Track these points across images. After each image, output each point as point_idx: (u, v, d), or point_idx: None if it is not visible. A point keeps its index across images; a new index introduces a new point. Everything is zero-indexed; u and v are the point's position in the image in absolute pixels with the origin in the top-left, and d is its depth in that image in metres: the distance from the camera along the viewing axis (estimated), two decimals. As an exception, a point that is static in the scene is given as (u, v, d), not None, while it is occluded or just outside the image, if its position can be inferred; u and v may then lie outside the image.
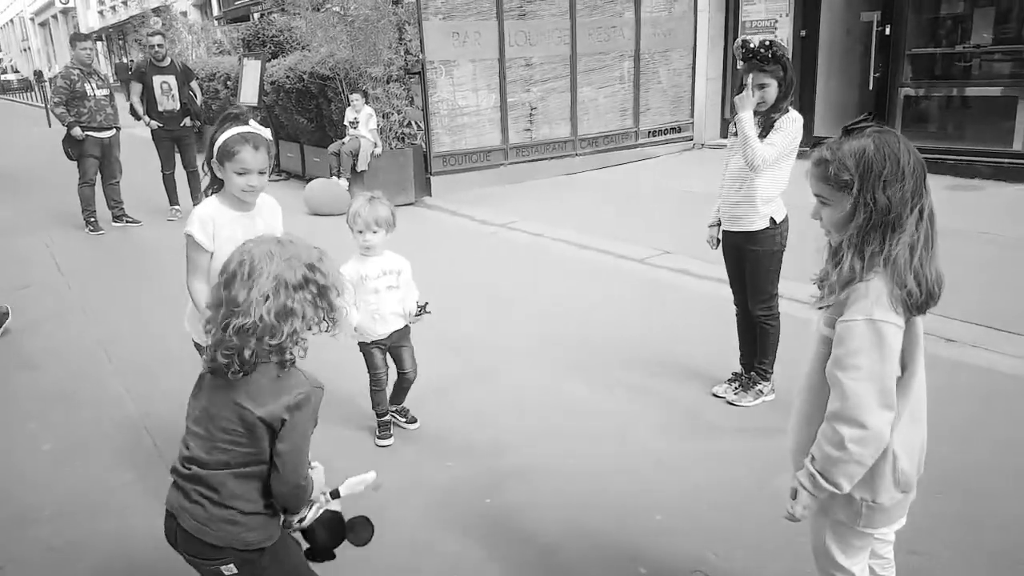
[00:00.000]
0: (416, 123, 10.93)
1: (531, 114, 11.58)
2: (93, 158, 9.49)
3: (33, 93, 41.37)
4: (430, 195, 10.76)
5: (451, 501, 3.70)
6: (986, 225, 7.59)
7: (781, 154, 4.06)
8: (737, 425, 4.31)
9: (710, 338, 5.29)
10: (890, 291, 1.98)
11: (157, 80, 9.86)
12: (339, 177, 10.45)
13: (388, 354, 4.22)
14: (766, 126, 4.08)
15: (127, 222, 9.97)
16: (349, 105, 10.47)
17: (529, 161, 11.61)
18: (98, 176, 9.68)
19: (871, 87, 11.01)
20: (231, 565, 2.14)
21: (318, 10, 13.00)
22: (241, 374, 2.05)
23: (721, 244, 4.52)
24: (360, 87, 10.61)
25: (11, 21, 75.48)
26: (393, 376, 4.29)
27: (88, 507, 3.76)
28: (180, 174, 10.26)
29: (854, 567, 2.28)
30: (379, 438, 4.24)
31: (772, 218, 4.20)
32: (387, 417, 4.26)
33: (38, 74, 44.49)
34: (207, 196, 3.40)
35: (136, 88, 9.94)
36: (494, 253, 8.22)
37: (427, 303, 4.05)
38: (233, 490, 2.11)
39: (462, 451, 4.15)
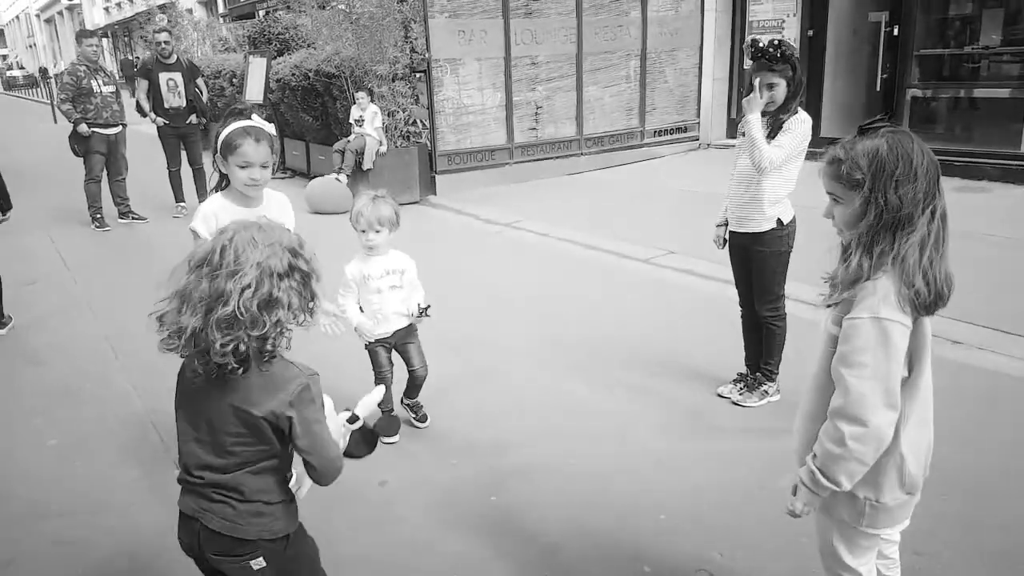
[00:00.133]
0: (421, 121, 10.93)
1: (536, 113, 11.57)
2: (99, 154, 9.51)
3: (39, 89, 41.48)
4: (435, 194, 10.76)
5: (454, 499, 3.71)
6: (993, 227, 7.56)
7: (789, 156, 4.05)
8: (742, 425, 4.30)
9: (714, 338, 5.29)
10: (898, 290, 1.98)
11: (163, 77, 9.87)
12: (338, 173, 10.43)
13: (396, 352, 4.21)
14: (774, 127, 4.07)
15: (133, 218, 9.99)
16: (354, 103, 10.47)
17: (534, 160, 11.61)
18: (104, 172, 9.69)
19: (878, 88, 10.99)
20: (260, 559, 2.11)
21: (324, 7, 13.01)
22: (241, 370, 1.97)
23: (728, 244, 4.51)
24: (365, 85, 10.61)
25: (17, 18, 75.68)
26: (405, 374, 4.28)
27: (94, 503, 3.77)
28: (186, 171, 10.29)
29: (861, 567, 2.27)
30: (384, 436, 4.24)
31: (779, 219, 4.19)
32: (392, 415, 4.26)
33: (43, 71, 44.61)
34: (213, 193, 3.42)
35: (142, 85, 9.98)
36: (498, 252, 8.22)
37: (429, 306, 4.03)
38: (254, 486, 2.08)
39: (464, 450, 4.15)
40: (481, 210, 9.80)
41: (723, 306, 5.26)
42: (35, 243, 8.95)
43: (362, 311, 4.07)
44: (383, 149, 10.43)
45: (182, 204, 10.31)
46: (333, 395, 2.27)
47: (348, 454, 2.34)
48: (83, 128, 9.24)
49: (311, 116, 12.18)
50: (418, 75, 10.85)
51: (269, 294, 1.96)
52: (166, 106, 9.92)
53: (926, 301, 1.98)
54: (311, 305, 2.09)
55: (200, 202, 3.53)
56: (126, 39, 43.33)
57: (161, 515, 3.54)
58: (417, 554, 3.32)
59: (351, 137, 10.46)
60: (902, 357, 2.01)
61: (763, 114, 4.06)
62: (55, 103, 19.65)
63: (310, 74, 11.65)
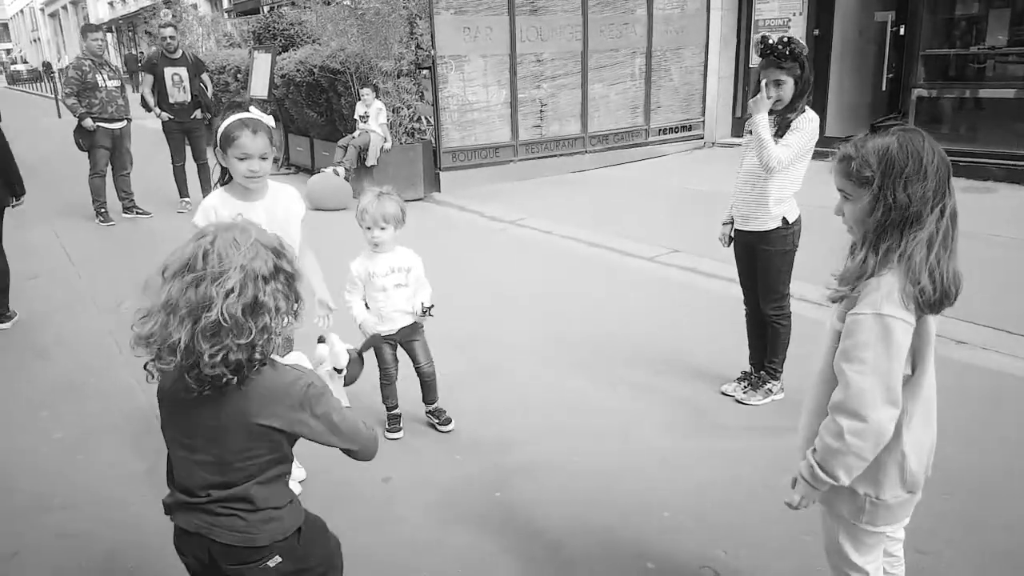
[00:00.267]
0: (426, 118, 10.93)
1: (541, 110, 11.57)
2: (104, 149, 9.52)
3: (43, 84, 41.51)
4: (439, 191, 10.76)
5: (458, 495, 3.72)
6: (998, 227, 7.55)
7: (797, 155, 4.04)
8: (746, 424, 4.30)
9: (718, 337, 5.29)
10: (902, 287, 1.98)
11: (168, 72, 9.87)
12: (336, 167, 10.43)
13: (402, 349, 4.21)
14: (782, 126, 4.07)
15: (137, 213, 10.00)
16: (359, 99, 10.47)
17: (539, 158, 11.59)
18: (109, 167, 9.70)
19: (884, 87, 10.98)
20: (276, 556, 2.08)
21: (329, 3, 13.00)
22: (235, 380, 1.88)
23: (733, 243, 4.51)
24: (370, 81, 10.61)
25: (21, 12, 75.78)
26: (411, 371, 4.27)
27: (98, 496, 3.78)
28: (191, 166, 10.29)
29: (868, 565, 2.28)
30: (388, 431, 4.25)
31: (785, 218, 4.19)
32: (396, 411, 4.27)
33: (47, 65, 44.63)
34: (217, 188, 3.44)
35: (147, 80, 9.97)
36: (502, 250, 8.22)
37: (432, 306, 4.01)
38: (263, 495, 2.03)
39: (469, 447, 4.15)
40: (485, 207, 9.80)
41: (727, 304, 5.26)
42: (39, 237, 8.96)
43: (368, 308, 4.07)
44: (387, 146, 10.43)
45: (186, 199, 10.31)
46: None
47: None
48: (88, 123, 9.25)
49: (316, 112, 12.18)
50: (423, 72, 10.85)
51: (254, 298, 1.87)
52: (171, 101, 9.92)
53: (931, 299, 1.98)
54: (296, 308, 2.01)
55: (204, 197, 3.55)
56: (130, 34, 43.35)
57: (162, 509, 3.55)
58: (421, 551, 3.32)
59: (356, 133, 10.47)
60: (904, 354, 2.01)
61: (770, 113, 4.06)
62: (59, 98, 19.66)
63: (315, 70, 11.65)
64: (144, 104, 10.11)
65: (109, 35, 43.71)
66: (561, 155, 11.79)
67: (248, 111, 3.28)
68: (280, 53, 12.96)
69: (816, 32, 11.55)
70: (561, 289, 6.73)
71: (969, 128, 10.88)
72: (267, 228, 2.74)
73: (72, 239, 8.95)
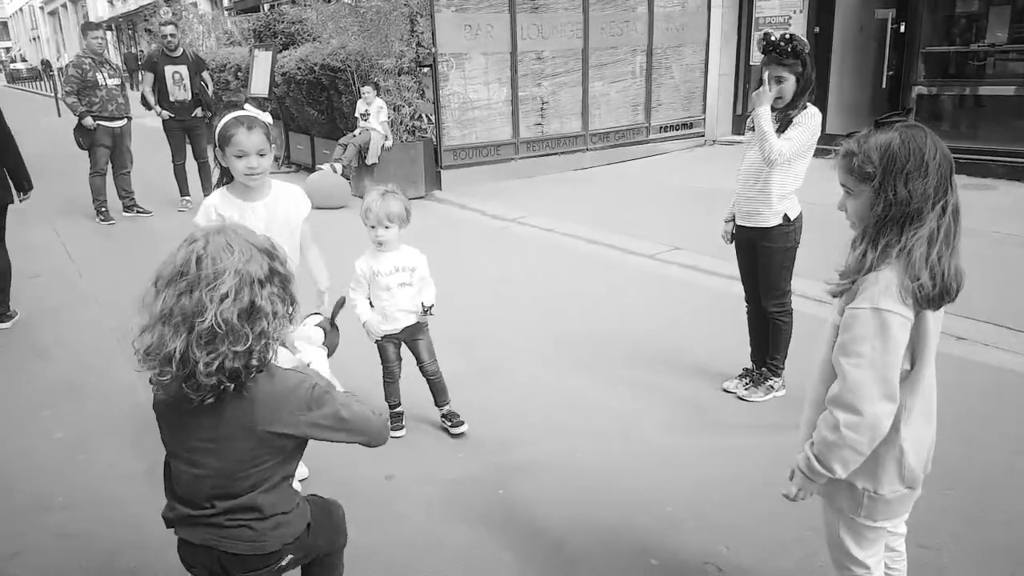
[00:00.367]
0: (427, 116, 10.93)
1: (542, 108, 11.57)
2: (104, 147, 9.51)
3: (42, 82, 41.49)
4: (440, 189, 10.76)
5: (461, 493, 3.72)
6: (998, 224, 7.55)
7: (799, 149, 4.04)
8: (747, 421, 4.31)
9: (720, 334, 5.29)
10: (900, 282, 1.99)
11: (169, 70, 9.87)
12: (333, 163, 10.43)
13: (405, 347, 4.20)
14: (783, 123, 4.06)
15: (138, 212, 10.00)
16: (360, 97, 10.47)
17: (540, 156, 11.59)
18: (109, 166, 9.70)
19: (884, 85, 10.98)
20: (288, 556, 2.07)
21: (329, 1, 13.00)
22: (233, 387, 1.85)
23: (734, 239, 4.51)
24: (371, 79, 10.61)
25: (20, 10, 75.72)
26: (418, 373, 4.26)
27: (99, 496, 3.78)
28: (191, 165, 10.29)
29: (869, 559, 2.29)
30: (391, 429, 4.25)
31: (786, 215, 4.19)
32: (399, 409, 4.27)
33: (46, 64, 44.61)
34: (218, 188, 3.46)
35: (148, 78, 9.96)
36: (503, 248, 8.22)
37: (432, 305, 4.00)
38: (270, 501, 2.01)
39: (470, 446, 4.16)
40: (486, 205, 9.80)
41: (728, 302, 5.26)
42: (40, 236, 8.96)
43: (372, 307, 4.07)
44: (388, 144, 10.43)
45: (187, 198, 10.31)
46: (344, 388, 2.26)
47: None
48: (88, 121, 9.25)
49: (316, 110, 12.17)
50: (424, 69, 10.84)
51: (251, 303, 1.82)
52: (171, 99, 9.92)
53: (929, 295, 1.99)
54: (291, 311, 1.96)
55: (205, 196, 3.56)
56: (130, 32, 43.32)
57: (163, 509, 3.55)
58: (424, 548, 3.32)
59: (356, 131, 10.46)
60: (901, 349, 2.02)
61: (772, 110, 4.06)
62: (59, 96, 19.66)
63: (316, 68, 11.64)
64: (144, 102, 10.11)
65: (109, 33, 43.73)
66: (562, 153, 11.79)
67: (243, 108, 3.29)
68: (281, 51, 12.95)
69: (816, 30, 11.54)
70: (562, 287, 6.73)
71: (969, 125, 10.89)
72: (266, 227, 2.76)
73: (72, 238, 8.95)
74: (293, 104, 12.79)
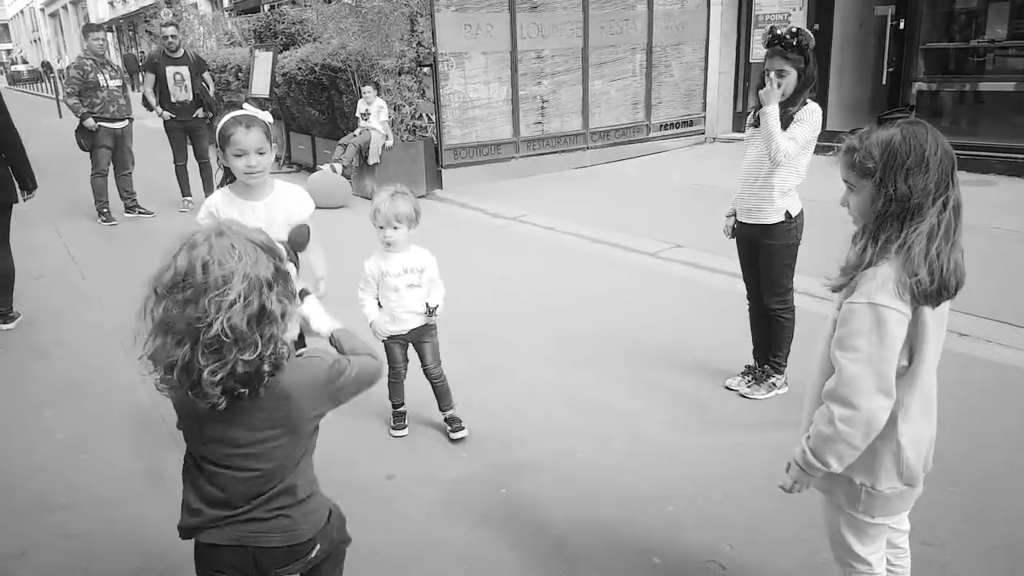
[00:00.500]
0: (427, 116, 10.93)
1: (542, 107, 11.57)
2: (106, 148, 9.52)
3: (43, 84, 41.51)
4: (441, 188, 10.77)
5: (463, 492, 3.72)
6: (999, 220, 7.55)
7: (802, 147, 4.04)
8: (749, 418, 4.31)
9: (722, 331, 5.29)
10: (898, 278, 1.99)
11: (170, 71, 9.87)
12: (333, 163, 10.43)
13: (413, 348, 4.18)
14: (785, 119, 4.05)
15: (139, 213, 10.01)
16: (361, 97, 10.48)
17: (540, 154, 11.60)
18: (111, 167, 9.71)
19: (884, 81, 10.98)
20: (317, 546, 2.06)
21: (329, 1, 13.01)
22: (247, 392, 1.80)
23: (736, 236, 4.51)
24: (372, 79, 10.61)
25: (21, 12, 75.75)
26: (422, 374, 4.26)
27: (102, 495, 3.79)
28: (192, 166, 10.29)
29: (871, 556, 2.29)
30: (393, 428, 4.26)
31: (788, 212, 4.19)
32: (402, 408, 4.27)
33: (46, 65, 44.63)
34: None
35: (149, 79, 9.96)
36: (505, 247, 8.22)
37: (438, 306, 3.99)
38: (303, 480, 2.01)
39: (472, 445, 4.16)
40: (487, 204, 9.81)
41: (730, 299, 5.26)
42: (42, 237, 8.97)
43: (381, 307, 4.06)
44: (389, 143, 10.44)
45: (188, 198, 10.32)
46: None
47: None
48: (90, 122, 9.25)
49: (317, 110, 12.18)
50: (424, 69, 10.85)
51: (261, 307, 1.76)
52: (173, 100, 9.91)
53: (927, 290, 1.99)
54: (292, 310, 1.91)
55: (207, 196, 3.58)
56: (131, 33, 43.34)
57: (171, 508, 3.55)
58: (425, 548, 3.32)
59: (357, 131, 10.47)
60: (898, 345, 2.02)
61: None
62: (60, 98, 19.66)
63: (316, 68, 11.65)
64: (146, 103, 10.11)
65: (109, 35, 43.77)
66: (562, 151, 11.80)
67: (242, 108, 3.31)
68: (281, 51, 12.96)
69: (816, 27, 11.51)
70: (563, 285, 6.74)
71: (969, 121, 10.89)
72: (267, 227, 2.75)
73: (75, 239, 8.96)
74: (294, 104, 12.80)
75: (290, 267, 2.03)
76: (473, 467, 3.94)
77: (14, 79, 54.83)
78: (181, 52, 10.05)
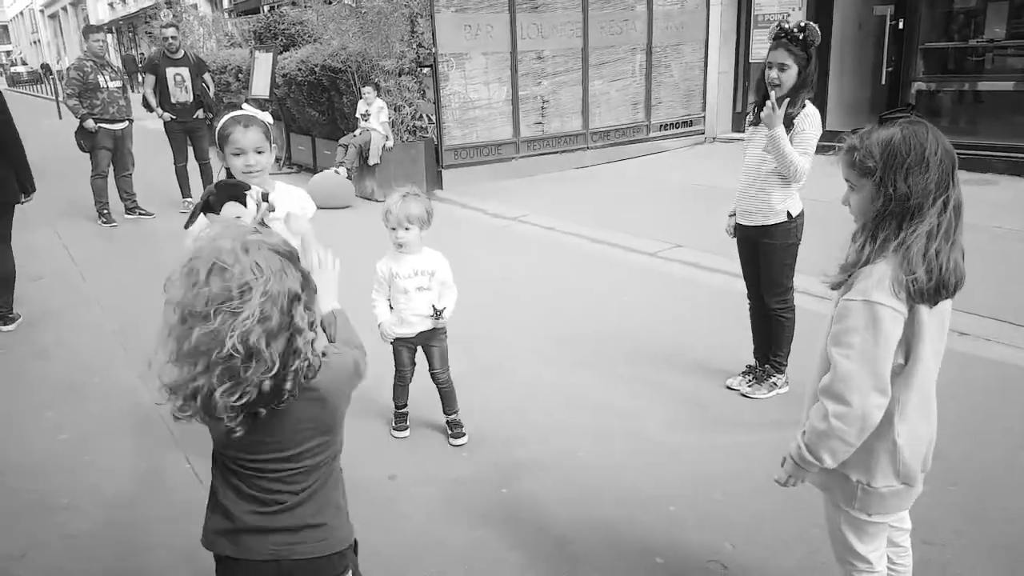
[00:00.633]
0: (428, 116, 10.94)
1: (542, 107, 11.57)
2: (106, 150, 9.52)
3: (43, 85, 41.53)
4: (441, 188, 10.77)
5: (464, 492, 3.72)
6: (999, 219, 7.56)
7: (812, 154, 4.06)
8: (750, 418, 4.31)
9: (722, 331, 5.30)
10: (894, 276, 2.00)
11: (170, 72, 9.87)
12: (337, 167, 10.45)
13: (421, 351, 4.16)
14: (785, 121, 4.04)
15: (140, 214, 10.01)
16: (361, 98, 10.48)
17: (540, 155, 11.60)
18: (111, 168, 9.71)
19: (883, 81, 10.98)
20: (349, 572, 1.99)
21: (329, 2, 13.01)
22: (279, 403, 1.73)
23: (736, 236, 4.51)
24: (372, 80, 10.62)
25: (21, 13, 75.76)
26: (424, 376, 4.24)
27: (104, 496, 3.79)
28: (193, 167, 10.28)
29: (871, 554, 2.30)
30: (395, 429, 4.26)
31: (788, 212, 4.19)
32: (404, 409, 4.27)
33: (45, 67, 44.65)
34: None
35: (149, 80, 9.97)
36: (505, 246, 8.22)
37: (444, 308, 3.97)
38: (334, 489, 1.99)
39: (473, 445, 4.16)
40: (487, 204, 9.81)
41: (730, 299, 5.27)
42: (42, 239, 8.96)
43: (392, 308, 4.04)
44: (389, 144, 10.44)
45: (189, 199, 10.30)
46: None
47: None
48: (90, 124, 9.25)
49: (317, 111, 12.19)
50: (424, 70, 10.85)
51: (290, 323, 1.68)
52: (173, 101, 9.92)
53: (923, 289, 1.99)
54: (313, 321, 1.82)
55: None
56: (130, 34, 43.33)
57: (172, 507, 3.56)
58: (426, 548, 3.33)
59: (357, 132, 10.48)
60: (893, 343, 2.03)
61: (766, 99, 4.05)
62: (60, 99, 19.66)
63: (316, 69, 11.65)
64: (146, 104, 10.11)
65: (109, 36, 43.75)
66: (563, 152, 11.80)
67: (241, 108, 3.31)
68: (281, 52, 12.96)
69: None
70: (563, 285, 6.74)
71: (969, 121, 10.90)
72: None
73: (74, 240, 8.96)
74: (294, 105, 12.81)
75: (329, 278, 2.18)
76: (473, 467, 3.94)
77: (14, 80, 54.80)
78: (181, 53, 10.05)
